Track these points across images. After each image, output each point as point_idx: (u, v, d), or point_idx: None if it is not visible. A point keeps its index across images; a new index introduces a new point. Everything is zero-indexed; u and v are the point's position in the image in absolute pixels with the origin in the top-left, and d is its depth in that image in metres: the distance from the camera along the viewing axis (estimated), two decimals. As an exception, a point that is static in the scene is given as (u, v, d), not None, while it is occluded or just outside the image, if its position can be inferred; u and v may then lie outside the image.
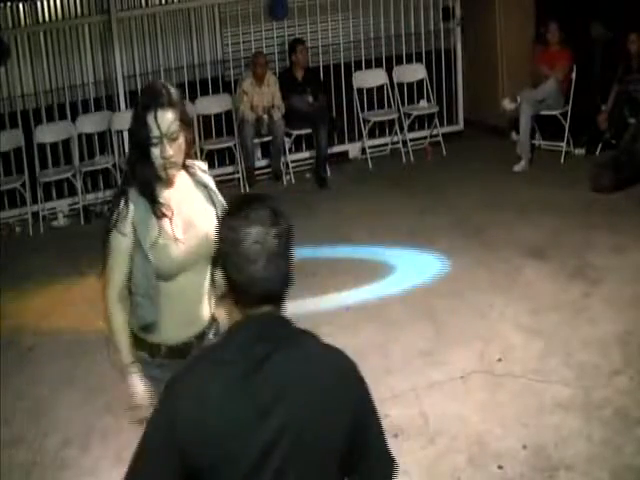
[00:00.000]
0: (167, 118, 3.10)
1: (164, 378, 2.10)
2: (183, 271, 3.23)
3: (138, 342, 3.35)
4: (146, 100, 3.15)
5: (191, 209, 3.26)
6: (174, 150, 3.14)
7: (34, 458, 4.99)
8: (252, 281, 1.99)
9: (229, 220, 2.02)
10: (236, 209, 2.03)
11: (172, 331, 3.30)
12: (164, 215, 3.20)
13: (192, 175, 3.34)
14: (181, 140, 3.16)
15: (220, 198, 3.33)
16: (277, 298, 2.04)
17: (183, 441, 1.95)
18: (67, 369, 5.98)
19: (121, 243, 3.21)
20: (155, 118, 3.08)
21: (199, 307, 3.34)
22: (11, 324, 6.74)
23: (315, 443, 1.99)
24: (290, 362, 2.01)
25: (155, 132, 3.09)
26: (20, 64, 9.86)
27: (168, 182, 3.23)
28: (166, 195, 3.24)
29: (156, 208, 3.19)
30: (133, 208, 3.18)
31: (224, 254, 2.01)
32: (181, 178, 3.28)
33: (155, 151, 3.12)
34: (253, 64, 9.54)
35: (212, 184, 3.39)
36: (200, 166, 3.40)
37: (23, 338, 6.48)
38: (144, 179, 3.18)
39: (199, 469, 1.96)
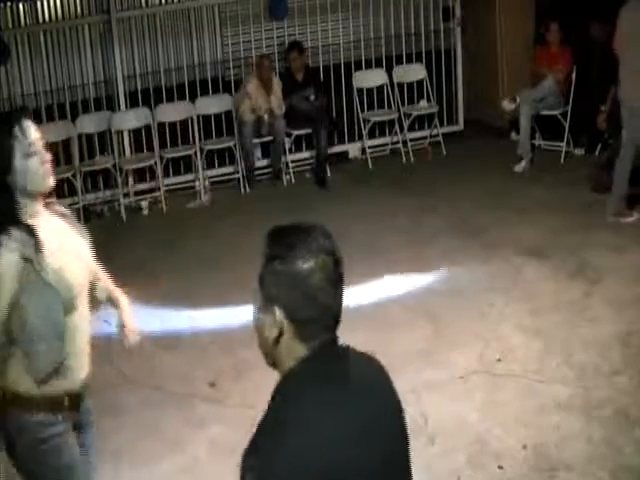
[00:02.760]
0: (30, 125, 2.99)
1: (68, 439, 2.02)
2: (77, 301, 3.01)
3: (34, 403, 2.99)
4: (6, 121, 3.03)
5: (66, 237, 3.09)
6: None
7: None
8: (325, 310, 1.98)
9: (284, 260, 1.94)
10: (285, 246, 1.96)
11: (77, 372, 3.08)
12: (42, 245, 2.91)
13: (49, 205, 3.14)
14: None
15: (80, 226, 3.19)
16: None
17: None
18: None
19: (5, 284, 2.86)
20: (21, 128, 2.95)
21: (87, 343, 3.16)
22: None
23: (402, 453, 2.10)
24: (366, 378, 2.08)
25: (29, 139, 2.97)
26: (20, 64, 9.86)
27: (39, 206, 3.00)
28: (41, 224, 2.99)
29: (37, 238, 2.90)
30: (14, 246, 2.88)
31: (285, 294, 1.95)
32: (41, 206, 3.06)
33: (34, 161, 2.95)
34: (259, 67, 9.50)
35: (69, 213, 3.23)
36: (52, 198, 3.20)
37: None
38: (15, 210, 2.92)
39: None
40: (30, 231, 2.89)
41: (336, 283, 1.99)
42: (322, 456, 1.89)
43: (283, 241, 1.98)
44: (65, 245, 3.01)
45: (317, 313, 1.97)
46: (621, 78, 7.43)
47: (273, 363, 2.03)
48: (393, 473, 2.05)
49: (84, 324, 3.07)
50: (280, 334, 1.97)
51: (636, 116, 7.29)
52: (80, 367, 3.06)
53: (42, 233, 2.92)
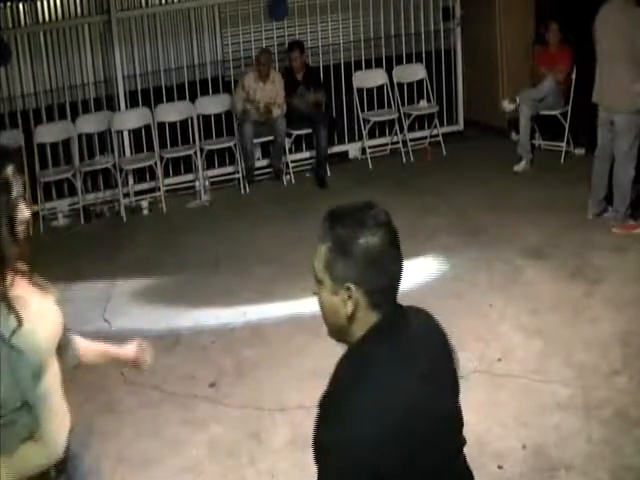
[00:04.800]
0: (14, 177, 2.59)
1: None
2: (47, 364, 2.71)
3: None
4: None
5: (37, 298, 2.71)
6: None
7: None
8: (394, 276, 2.12)
9: (357, 237, 2.06)
10: (354, 224, 2.07)
11: (57, 436, 2.74)
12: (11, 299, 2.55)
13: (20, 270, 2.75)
14: None
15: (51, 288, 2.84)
16: None
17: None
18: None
19: None
20: (13, 173, 2.56)
21: (62, 401, 2.86)
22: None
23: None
24: (426, 332, 2.26)
25: (17, 189, 2.56)
26: (20, 64, 9.85)
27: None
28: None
29: (6, 289, 2.53)
30: None
31: (360, 270, 2.06)
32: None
33: (22, 210, 2.55)
34: (257, 61, 9.53)
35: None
36: None
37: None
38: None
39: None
40: (9, 304, 2.53)
41: (399, 249, 2.13)
42: (395, 401, 2.02)
43: (349, 220, 2.09)
44: (36, 308, 2.65)
45: (388, 280, 2.11)
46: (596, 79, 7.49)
47: (344, 339, 2.14)
48: (457, 415, 2.28)
49: (56, 385, 2.78)
50: (355, 309, 2.08)
51: (611, 116, 7.34)
52: (58, 430, 2.74)
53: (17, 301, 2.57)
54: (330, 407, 2.05)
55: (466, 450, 4.59)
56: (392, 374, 2.05)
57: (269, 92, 9.40)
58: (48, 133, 9.35)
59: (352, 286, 2.06)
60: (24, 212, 2.55)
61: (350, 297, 2.06)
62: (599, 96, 7.49)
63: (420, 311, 2.28)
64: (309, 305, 6.11)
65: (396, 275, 2.12)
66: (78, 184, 9.07)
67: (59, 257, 7.90)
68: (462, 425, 2.30)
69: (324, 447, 2.01)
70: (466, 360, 5.38)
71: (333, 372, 2.11)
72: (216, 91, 10.01)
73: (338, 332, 2.14)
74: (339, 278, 2.07)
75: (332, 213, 2.12)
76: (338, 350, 2.18)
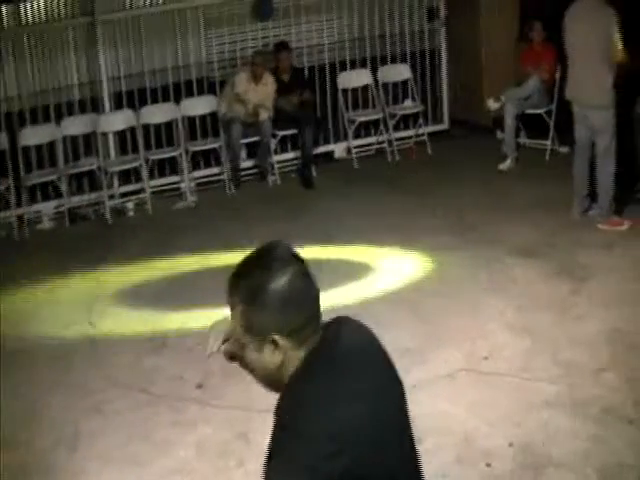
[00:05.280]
0: None
1: None
2: None
3: None
4: None
5: None
6: None
7: (23, 460, 4.98)
8: (314, 307, 2.05)
9: (266, 285, 1.99)
10: (259, 273, 2.01)
11: None
12: None
13: None
14: None
15: None
16: None
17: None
18: (53, 372, 5.96)
19: None
20: None
21: None
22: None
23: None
24: (361, 346, 2.17)
25: None
26: (4, 66, 9.81)
27: None
28: None
29: None
30: None
31: (279, 317, 2.00)
32: None
33: None
34: (252, 62, 9.53)
35: None
36: None
37: (8, 341, 6.43)
38: None
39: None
40: None
41: (310, 276, 2.05)
42: (342, 416, 1.97)
43: (253, 271, 2.02)
44: None
45: (309, 312, 2.04)
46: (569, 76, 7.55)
47: (276, 386, 2.06)
48: (405, 424, 2.19)
49: None
50: (284, 355, 2.02)
51: (585, 111, 7.39)
52: None
53: None
54: (274, 441, 1.99)
55: (454, 448, 4.64)
56: (328, 402, 1.99)
57: (260, 94, 9.40)
58: (33, 136, 9.31)
59: (276, 336, 1.99)
60: None
61: (277, 346, 2.00)
62: (572, 93, 7.55)
63: (348, 322, 2.20)
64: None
65: (315, 304, 2.06)
66: (63, 187, 9.04)
67: (44, 260, 7.89)
68: (410, 431, 2.21)
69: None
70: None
71: (274, 418, 2.04)
72: (201, 92, 9.99)
73: (271, 383, 2.08)
74: (260, 333, 2.00)
75: (235, 274, 2.05)
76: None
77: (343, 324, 2.17)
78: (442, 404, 5.16)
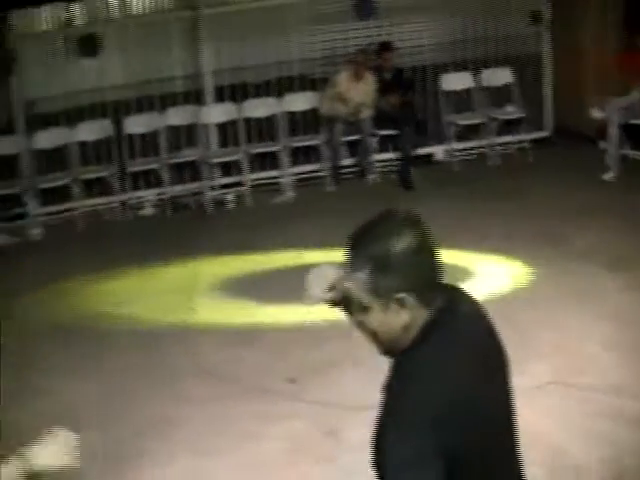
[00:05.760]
0: None
1: None
2: None
3: None
4: None
5: None
6: None
7: (108, 445, 5.05)
8: (437, 267, 2.10)
9: (393, 246, 2.03)
10: (384, 237, 2.05)
11: None
12: None
13: None
14: None
15: None
16: None
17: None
18: (142, 358, 6.09)
19: None
20: None
21: None
22: (91, 309, 6.89)
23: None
24: (476, 319, 2.23)
25: None
26: (111, 56, 10.06)
27: None
28: None
29: None
30: None
31: (405, 277, 2.04)
32: None
33: None
34: (354, 61, 9.58)
35: None
36: None
37: (101, 324, 6.60)
38: None
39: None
40: None
41: (431, 238, 2.11)
42: (453, 388, 2.02)
43: (375, 237, 2.06)
44: None
45: (433, 273, 2.10)
46: None
47: (397, 350, 2.10)
48: (508, 406, 2.22)
49: None
50: (406, 309, 2.06)
51: None
52: None
53: None
54: (388, 412, 2.03)
55: (542, 462, 4.56)
56: (443, 371, 2.04)
57: (361, 93, 9.42)
58: (137, 124, 9.55)
59: (402, 295, 2.04)
60: None
61: (403, 306, 2.04)
62: None
63: (463, 293, 2.26)
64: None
65: (438, 263, 2.10)
66: (165, 175, 9.24)
67: (145, 246, 8.07)
68: (513, 411, 2.24)
69: (389, 449, 1.98)
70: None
71: (386, 381, 2.08)
72: (302, 89, 10.06)
73: (393, 346, 2.11)
74: (387, 294, 2.04)
75: (355, 239, 2.08)
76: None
77: (461, 295, 2.24)
78: (529, 416, 5.05)
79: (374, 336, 2.12)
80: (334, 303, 2.41)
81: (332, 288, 2.37)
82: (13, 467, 2.26)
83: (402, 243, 2.03)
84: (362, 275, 2.05)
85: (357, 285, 2.07)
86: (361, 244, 2.07)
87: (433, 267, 2.09)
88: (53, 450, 2.38)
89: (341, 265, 2.14)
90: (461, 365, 2.07)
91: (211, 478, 4.69)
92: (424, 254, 2.07)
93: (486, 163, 9.92)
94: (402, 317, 2.05)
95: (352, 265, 2.07)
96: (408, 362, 2.06)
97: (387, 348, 2.13)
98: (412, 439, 1.95)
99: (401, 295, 2.03)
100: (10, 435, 3.59)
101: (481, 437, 2.06)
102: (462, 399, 2.02)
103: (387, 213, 2.12)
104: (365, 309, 2.08)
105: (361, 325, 2.12)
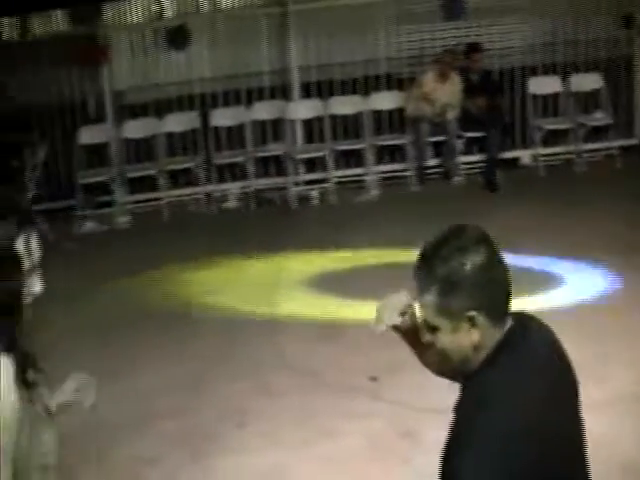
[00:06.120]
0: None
1: None
2: None
3: None
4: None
5: None
6: None
7: (189, 429, 5.14)
8: (508, 284, 2.07)
9: (463, 264, 2.00)
10: (456, 254, 2.02)
11: None
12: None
13: None
14: None
15: None
16: None
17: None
18: (224, 347, 6.16)
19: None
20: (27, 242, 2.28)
21: None
22: (176, 298, 6.99)
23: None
24: (547, 345, 2.19)
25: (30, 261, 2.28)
26: (199, 49, 10.19)
27: None
28: None
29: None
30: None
31: (475, 296, 2.01)
32: None
33: (30, 285, 2.29)
34: (440, 61, 9.56)
35: None
36: None
37: (188, 312, 6.69)
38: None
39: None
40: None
41: (501, 256, 2.07)
42: (524, 416, 1.98)
43: (447, 254, 2.02)
44: None
45: (504, 291, 2.06)
46: None
47: (467, 370, 2.07)
48: (578, 433, 2.17)
49: None
50: (476, 329, 2.02)
51: None
52: None
53: None
54: (457, 438, 2.00)
55: (617, 476, 4.45)
56: (512, 398, 1.99)
57: (447, 93, 9.38)
58: (223, 117, 9.66)
59: (473, 313, 2.00)
60: (35, 287, 2.30)
61: (474, 325, 2.01)
62: None
63: (533, 318, 2.21)
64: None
65: (508, 282, 2.07)
66: (250, 169, 9.32)
67: (228, 238, 8.15)
68: (583, 439, 2.19)
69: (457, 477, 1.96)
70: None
71: (456, 404, 2.05)
72: (388, 88, 10.05)
73: (464, 367, 2.07)
74: (457, 313, 2.01)
75: (423, 258, 2.05)
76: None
77: (530, 319, 2.18)
78: (605, 427, 4.97)
79: (444, 356, 2.08)
80: (403, 331, 2.39)
81: (402, 314, 2.36)
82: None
83: (471, 261, 2.00)
84: (431, 297, 2.03)
85: (427, 306, 2.05)
86: (429, 263, 2.04)
87: (503, 285, 2.06)
88: (70, 389, 2.58)
89: (411, 291, 2.13)
90: (532, 391, 2.03)
91: (286, 470, 4.71)
92: (493, 272, 2.03)
93: (572, 169, 9.76)
94: (473, 336, 2.02)
95: (421, 285, 2.05)
96: (478, 386, 2.03)
97: (457, 369, 2.09)
98: (482, 469, 1.92)
99: (472, 313, 2.00)
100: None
101: (551, 466, 2.01)
102: (532, 427, 1.98)
103: (455, 230, 2.08)
104: (435, 330, 2.06)
105: (431, 346, 2.09)
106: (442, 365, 2.13)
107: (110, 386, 5.36)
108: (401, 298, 2.37)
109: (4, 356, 2.17)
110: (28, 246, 2.27)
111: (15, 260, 2.23)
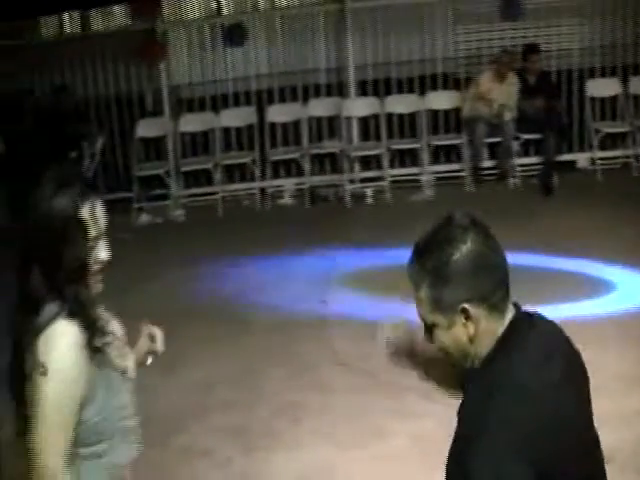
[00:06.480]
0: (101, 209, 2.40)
1: None
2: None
3: None
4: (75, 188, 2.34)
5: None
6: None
7: (244, 423, 5.17)
8: (502, 271, 2.00)
9: (451, 255, 1.95)
10: (443, 246, 1.97)
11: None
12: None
13: None
14: None
15: None
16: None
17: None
18: (277, 343, 6.18)
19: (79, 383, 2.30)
20: (92, 212, 2.35)
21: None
22: (229, 293, 7.02)
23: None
24: (555, 338, 2.12)
25: (97, 228, 2.36)
26: (256, 46, 10.25)
27: None
28: None
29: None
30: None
31: (468, 286, 1.96)
32: None
33: (99, 251, 2.37)
34: (498, 61, 9.49)
35: None
36: None
37: (240, 308, 6.71)
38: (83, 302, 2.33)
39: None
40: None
41: (494, 239, 2.00)
42: (539, 400, 1.93)
43: (435, 246, 1.99)
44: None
45: (497, 277, 1.99)
46: None
47: (470, 362, 2.03)
48: (589, 423, 2.12)
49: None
50: (476, 325, 1.98)
51: None
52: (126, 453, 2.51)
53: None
54: (467, 433, 1.97)
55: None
56: (524, 383, 1.94)
57: (504, 94, 9.31)
58: (279, 113, 9.70)
59: (466, 305, 1.95)
60: (101, 253, 2.37)
61: (468, 317, 1.96)
62: None
63: (551, 322, 2.14)
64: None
65: (501, 266, 2.00)
66: (306, 165, 9.34)
67: (282, 234, 8.18)
68: (594, 429, 2.14)
69: (471, 472, 1.91)
70: None
71: (461, 404, 2.02)
72: (445, 87, 10.01)
73: (464, 360, 2.03)
74: (451, 307, 1.96)
75: (415, 252, 2.02)
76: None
77: (533, 313, 2.12)
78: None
79: (446, 353, 2.04)
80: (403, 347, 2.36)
81: (396, 333, 2.33)
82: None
83: (459, 251, 1.95)
84: (423, 292, 1.99)
85: (421, 303, 2.01)
86: (420, 259, 2.01)
87: (496, 274, 1.99)
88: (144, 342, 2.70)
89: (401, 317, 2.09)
90: (544, 376, 1.98)
91: (336, 467, 4.72)
92: (484, 260, 1.97)
93: (631, 174, 9.63)
94: (469, 329, 1.97)
95: (414, 282, 2.01)
96: (486, 377, 1.98)
97: (459, 363, 2.05)
98: (499, 456, 1.88)
99: (464, 305, 1.95)
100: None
101: (567, 449, 1.97)
102: (547, 411, 1.94)
103: (445, 220, 2.03)
104: (432, 327, 2.01)
105: (432, 344, 2.05)
106: (448, 360, 2.08)
107: (165, 378, 5.43)
108: (390, 323, 2.34)
109: (68, 319, 2.26)
110: (93, 214, 2.34)
111: (81, 227, 2.31)
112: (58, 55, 10.06)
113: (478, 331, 1.97)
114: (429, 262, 1.98)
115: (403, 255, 6.77)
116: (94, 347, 2.31)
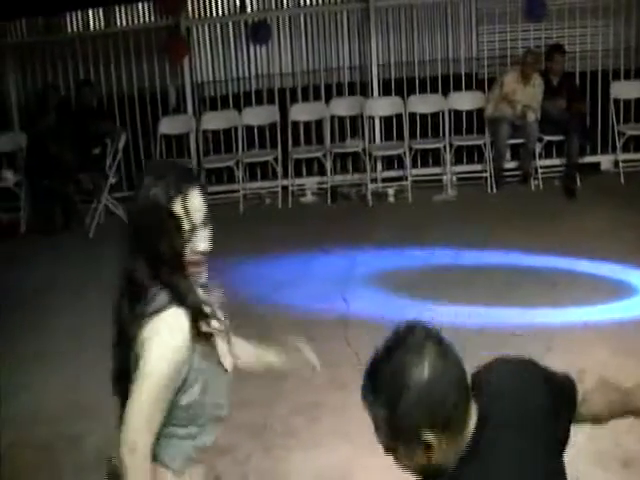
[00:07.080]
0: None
1: None
2: None
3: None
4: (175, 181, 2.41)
5: None
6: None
7: (263, 421, 5.18)
8: (459, 394, 1.92)
9: (399, 381, 1.88)
10: (392, 368, 1.90)
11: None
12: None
13: None
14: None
15: None
16: None
17: None
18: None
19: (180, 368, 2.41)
20: (186, 206, 2.42)
21: None
22: (249, 291, 7.02)
23: None
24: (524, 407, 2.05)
25: (193, 220, 2.43)
26: (280, 44, 10.26)
27: None
28: None
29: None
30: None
31: (425, 411, 1.87)
32: None
33: (197, 243, 2.47)
34: (523, 62, 9.44)
35: None
36: None
37: (260, 305, 6.71)
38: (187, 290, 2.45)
39: None
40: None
41: (452, 358, 1.92)
42: None
43: (388, 370, 1.91)
44: None
45: (456, 399, 1.90)
46: None
47: (437, 475, 1.94)
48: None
49: None
50: (439, 452, 1.89)
51: None
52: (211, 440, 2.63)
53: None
54: None
55: None
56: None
57: (528, 95, 9.27)
58: (302, 112, 9.71)
59: (428, 436, 1.86)
60: (199, 245, 2.45)
61: (430, 446, 1.87)
62: None
63: (521, 373, 2.10)
64: (542, 315, 6.03)
65: (460, 385, 1.91)
66: (328, 164, 9.35)
67: (303, 232, 8.18)
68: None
69: None
70: None
71: None
72: (468, 88, 9.99)
73: (432, 476, 1.94)
74: (410, 435, 1.87)
75: (368, 378, 1.94)
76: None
77: (494, 394, 2.03)
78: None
79: (412, 473, 1.97)
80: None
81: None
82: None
83: (416, 376, 1.85)
84: (379, 416, 1.91)
85: (379, 428, 1.93)
86: (374, 388, 1.93)
87: (457, 391, 1.89)
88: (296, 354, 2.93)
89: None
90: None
91: (354, 467, 4.71)
92: (444, 384, 1.87)
93: (655, 177, 9.57)
94: (431, 455, 1.88)
95: (369, 403, 1.94)
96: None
97: (429, 476, 1.95)
98: None
99: (426, 437, 1.86)
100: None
101: None
102: None
103: (400, 338, 1.94)
104: (391, 452, 1.95)
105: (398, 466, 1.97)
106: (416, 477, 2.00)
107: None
108: None
109: (175, 307, 2.37)
110: (186, 205, 2.39)
111: (174, 218, 2.38)
112: (82, 51, 10.11)
113: (441, 454, 1.89)
114: (382, 395, 1.90)
115: (424, 256, 6.81)
116: (202, 333, 2.42)
